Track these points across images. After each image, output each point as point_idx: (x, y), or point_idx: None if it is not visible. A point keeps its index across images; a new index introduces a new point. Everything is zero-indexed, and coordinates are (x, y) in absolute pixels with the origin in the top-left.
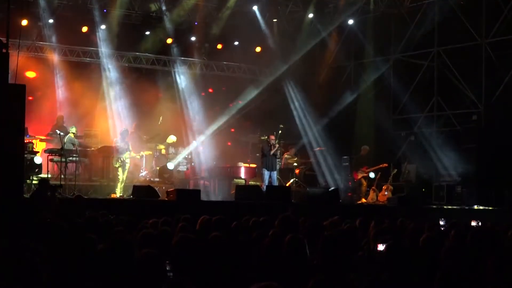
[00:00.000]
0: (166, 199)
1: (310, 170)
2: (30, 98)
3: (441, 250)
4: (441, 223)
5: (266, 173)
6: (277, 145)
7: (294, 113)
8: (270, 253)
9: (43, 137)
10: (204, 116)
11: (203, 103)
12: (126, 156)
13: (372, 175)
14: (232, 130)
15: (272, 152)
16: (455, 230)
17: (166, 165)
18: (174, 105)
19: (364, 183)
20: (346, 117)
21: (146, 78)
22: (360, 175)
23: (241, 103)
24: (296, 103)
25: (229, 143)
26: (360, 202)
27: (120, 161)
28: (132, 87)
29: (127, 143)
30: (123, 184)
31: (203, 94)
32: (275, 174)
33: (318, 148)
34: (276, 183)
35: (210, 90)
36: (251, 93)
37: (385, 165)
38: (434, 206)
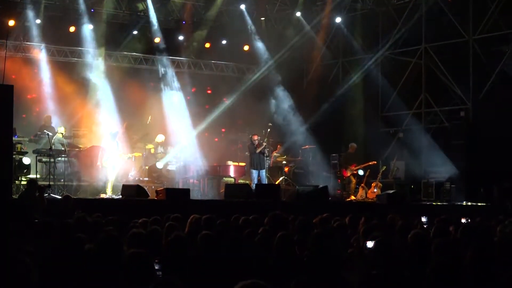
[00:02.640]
0: (156, 198)
1: (299, 168)
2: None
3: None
4: (423, 219)
5: (254, 172)
6: (264, 144)
7: (283, 111)
8: (260, 251)
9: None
10: (193, 115)
11: (191, 101)
12: (115, 157)
13: (361, 172)
14: (223, 130)
15: (258, 150)
16: (436, 227)
17: (155, 164)
18: (162, 104)
19: (353, 180)
20: (334, 115)
21: (133, 77)
22: (349, 173)
23: (226, 101)
24: (285, 102)
25: (216, 139)
26: (349, 199)
27: (109, 162)
28: (120, 86)
29: (116, 143)
30: (112, 184)
31: (193, 90)
32: (263, 173)
33: (306, 146)
34: (265, 181)
35: (193, 90)
36: (240, 92)
37: (374, 162)
38: (423, 203)
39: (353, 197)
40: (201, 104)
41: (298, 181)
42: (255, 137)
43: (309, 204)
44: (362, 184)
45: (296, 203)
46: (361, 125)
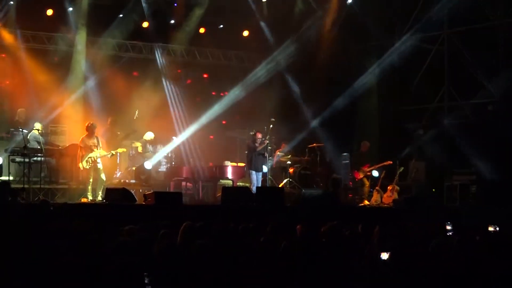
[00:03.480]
0: (144, 203)
1: (306, 169)
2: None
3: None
4: (448, 227)
5: (253, 174)
6: (266, 142)
7: (288, 105)
8: (262, 263)
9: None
10: (186, 109)
11: (184, 94)
12: (96, 155)
13: (375, 173)
14: (224, 122)
15: (258, 149)
16: (461, 236)
17: (143, 165)
18: (151, 97)
19: (366, 183)
20: (346, 109)
21: (119, 66)
22: (361, 174)
23: (223, 95)
24: (290, 94)
25: (211, 137)
26: (362, 204)
27: (90, 161)
28: (103, 77)
29: (96, 140)
30: (102, 186)
31: (189, 81)
32: (260, 175)
33: (314, 144)
34: (265, 184)
35: (188, 82)
36: (239, 83)
37: (390, 162)
38: (446, 208)
39: (366, 202)
40: (195, 97)
41: (304, 184)
42: (259, 135)
43: (316, 210)
44: (377, 187)
45: (302, 209)
46: (375, 121)
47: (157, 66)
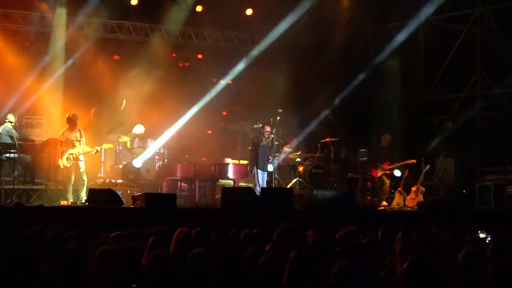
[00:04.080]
0: (132, 206)
1: (318, 167)
2: None
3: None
4: (481, 235)
5: (259, 173)
6: (271, 136)
7: (296, 93)
8: (268, 275)
9: None
10: (181, 99)
11: (179, 81)
12: (78, 151)
13: (397, 173)
14: (224, 113)
15: (262, 144)
16: (495, 244)
17: (131, 163)
18: (141, 84)
19: (387, 182)
20: (363, 98)
21: (103, 50)
22: (380, 173)
23: (222, 82)
24: (299, 81)
25: (209, 131)
26: (382, 207)
27: (71, 158)
28: (86, 61)
29: (79, 133)
30: (84, 187)
31: (180, 64)
32: (265, 174)
33: (327, 139)
34: (271, 184)
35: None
36: (241, 68)
37: (413, 161)
38: (478, 212)
39: (384, 203)
40: (191, 84)
41: (316, 184)
42: (267, 128)
43: (330, 214)
44: (399, 188)
45: (313, 213)
46: (397, 112)
47: (148, 50)
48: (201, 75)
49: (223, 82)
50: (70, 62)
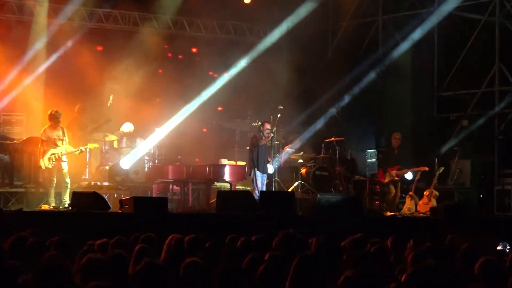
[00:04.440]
0: (120, 211)
1: (322, 169)
2: None
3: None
4: (499, 247)
5: (258, 175)
6: (271, 134)
7: (299, 88)
8: (267, 287)
9: None
10: (173, 94)
11: (171, 75)
12: (61, 151)
13: (409, 176)
14: (220, 108)
15: (261, 143)
16: None
17: (118, 164)
18: (129, 78)
19: (392, 190)
20: (371, 94)
21: (90, 41)
22: (387, 179)
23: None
24: (302, 74)
25: (204, 129)
26: (390, 213)
27: (53, 159)
28: (70, 54)
29: (62, 132)
30: (68, 190)
31: (169, 55)
32: (265, 177)
33: (332, 139)
34: (271, 187)
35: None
36: (238, 61)
37: (426, 168)
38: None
39: (389, 213)
40: (184, 78)
41: (319, 188)
42: (267, 125)
43: (335, 220)
44: (410, 193)
45: (317, 219)
46: (408, 110)
47: (138, 41)
48: (196, 69)
49: (219, 76)
50: (54, 57)
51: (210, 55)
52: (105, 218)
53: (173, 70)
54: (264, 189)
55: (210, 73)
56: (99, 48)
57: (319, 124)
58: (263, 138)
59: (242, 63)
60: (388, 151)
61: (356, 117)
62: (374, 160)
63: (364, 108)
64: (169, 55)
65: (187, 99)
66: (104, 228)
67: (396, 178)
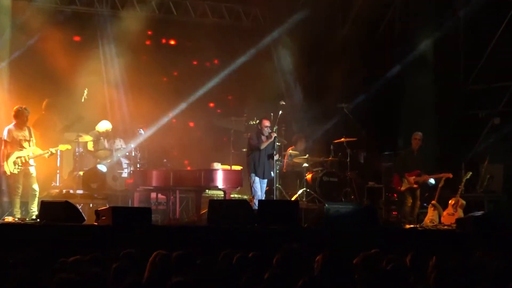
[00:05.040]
0: (96, 223)
1: (330, 174)
2: None
3: None
4: None
5: (257, 181)
6: (273, 134)
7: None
8: None
9: None
10: (157, 89)
11: (156, 67)
12: (28, 154)
13: (431, 181)
14: (211, 105)
15: (263, 146)
16: None
17: (95, 168)
18: (107, 70)
19: (409, 201)
20: (387, 89)
21: (60, 27)
22: (404, 186)
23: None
24: (308, 68)
25: (191, 124)
26: (410, 226)
27: (19, 163)
28: (38, 42)
29: (28, 131)
30: (36, 199)
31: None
32: (264, 183)
33: (342, 139)
34: (271, 195)
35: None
36: (234, 51)
37: (450, 175)
38: None
39: (407, 226)
40: (171, 70)
41: (327, 196)
42: (266, 123)
43: (345, 234)
44: (433, 202)
45: (324, 232)
46: (431, 106)
47: (117, 26)
48: (184, 58)
49: (210, 67)
50: (17, 45)
51: (200, 43)
52: (79, 231)
53: (157, 60)
54: (264, 197)
55: (196, 63)
56: (76, 38)
57: (328, 122)
58: (265, 139)
59: (236, 52)
60: (406, 153)
61: (370, 115)
62: (391, 163)
63: (379, 104)
64: (153, 42)
65: (174, 93)
66: (78, 243)
67: (414, 186)
